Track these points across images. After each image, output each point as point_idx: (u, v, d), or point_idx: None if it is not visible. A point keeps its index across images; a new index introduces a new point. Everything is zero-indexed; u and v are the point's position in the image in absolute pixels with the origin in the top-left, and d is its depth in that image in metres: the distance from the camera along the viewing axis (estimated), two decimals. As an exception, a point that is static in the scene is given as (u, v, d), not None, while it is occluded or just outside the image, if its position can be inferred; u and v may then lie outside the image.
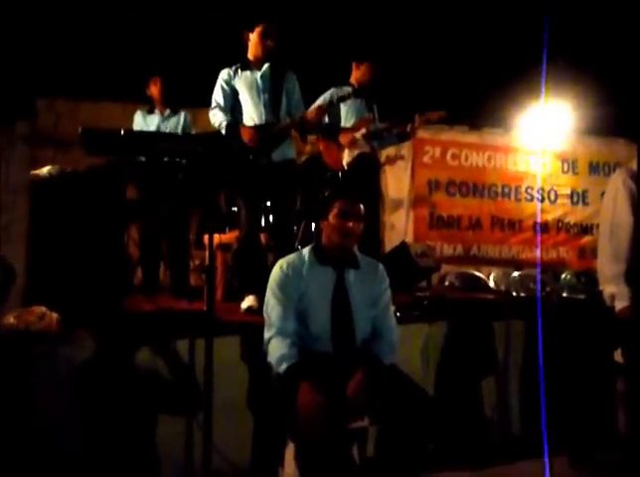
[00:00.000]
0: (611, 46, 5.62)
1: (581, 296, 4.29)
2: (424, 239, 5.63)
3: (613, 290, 2.66)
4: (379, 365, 2.14)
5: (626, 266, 2.64)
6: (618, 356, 3.08)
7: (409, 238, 5.64)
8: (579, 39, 5.42)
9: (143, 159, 3.13)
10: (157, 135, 3.60)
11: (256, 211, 3.39)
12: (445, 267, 5.43)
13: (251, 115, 3.28)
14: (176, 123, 4.17)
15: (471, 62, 5.64)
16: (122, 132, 2.63)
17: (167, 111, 4.17)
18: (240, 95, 3.33)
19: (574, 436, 3.06)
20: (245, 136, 3.18)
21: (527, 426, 3.18)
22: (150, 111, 4.18)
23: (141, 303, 3.29)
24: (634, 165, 2.82)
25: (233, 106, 3.32)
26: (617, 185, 2.76)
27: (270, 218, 3.57)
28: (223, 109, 3.29)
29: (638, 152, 2.73)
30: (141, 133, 3.68)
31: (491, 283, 5.29)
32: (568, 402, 3.19)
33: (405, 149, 5.78)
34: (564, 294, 4.68)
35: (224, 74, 3.36)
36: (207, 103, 3.41)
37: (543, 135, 6.33)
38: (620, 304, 2.63)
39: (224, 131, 3.24)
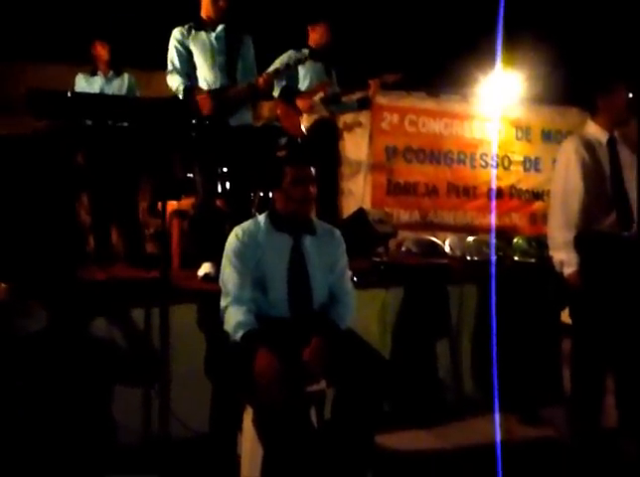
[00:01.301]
0: (565, 16, 5.69)
1: (532, 260, 4.44)
2: (382, 206, 5.68)
3: (563, 256, 2.75)
4: (335, 329, 2.17)
5: (576, 233, 2.74)
6: (565, 317, 3.22)
7: (367, 205, 5.68)
8: (535, 8, 5.46)
9: (90, 123, 3.02)
10: (107, 98, 3.47)
11: (213, 177, 3.33)
12: (402, 233, 5.50)
13: (206, 78, 3.19)
14: (120, 86, 4.03)
15: (428, 28, 5.62)
16: (69, 94, 2.51)
17: (110, 73, 4.01)
18: (195, 57, 3.22)
19: (523, 394, 3.20)
20: (201, 104, 3.09)
21: (478, 385, 3.31)
22: (93, 73, 4.01)
23: (94, 272, 3.21)
24: (586, 132, 2.89)
25: (189, 69, 3.21)
26: (569, 153, 2.82)
27: (227, 184, 3.51)
28: (179, 72, 3.18)
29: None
30: (91, 95, 3.54)
31: (447, 249, 5.40)
32: (518, 362, 3.33)
33: (364, 116, 5.76)
34: (516, 258, 4.82)
35: (176, 33, 3.23)
36: (158, 65, 3.29)
37: (497, 103, 6.40)
38: (569, 270, 2.72)
39: (181, 95, 3.14)
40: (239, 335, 2.07)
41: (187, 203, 3.74)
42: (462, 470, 2.52)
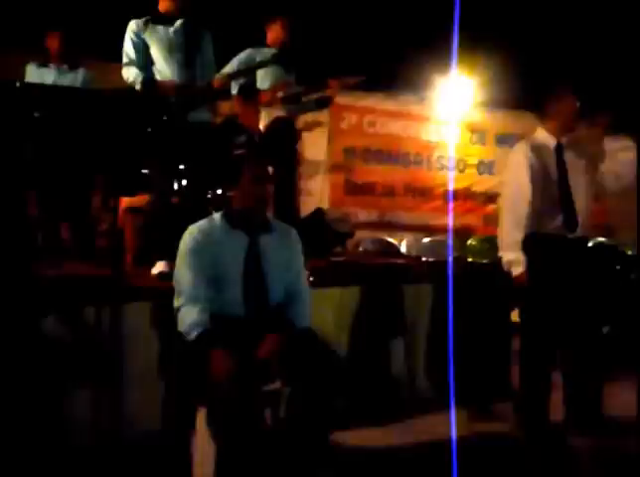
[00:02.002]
0: (520, 23, 5.86)
1: (485, 261, 4.56)
2: (340, 205, 5.72)
3: (511, 257, 2.83)
4: (291, 328, 2.17)
5: (524, 235, 2.82)
6: (515, 316, 3.32)
7: (326, 204, 5.70)
8: (491, 14, 5.60)
9: (38, 115, 2.91)
10: (59, 89, 3.36)
11: (169, 173, 3.27)
12: (360, 233, 5.54)
13: (163, 73, 3.13)
14: (73, 80, 3.91)
15: (388, 29, 5.69)
16: (18, 84, 2.42)
17: (64, 67, 3.89)
18: (151, 51, 3.16)
19: (474, 390, 3.28)
20: (168, 91, 3.03)
21: (431, 383, 3.37)
22: (45, 64, 3.88)
23: (43, 268, 3.11)
24: (535, 137, 2.99)
25: (146, 62, 3.15)
26: (519, 157, 2.91)
27: (183, 181, 3.46)
28: (137, 65, 3.11)
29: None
30: (42, 86, 3.42)
31: (403, 249, 5.50)
32: (470, 360, 3.41)
33: (323, 115, 5.76)
34: (470, 259, 4.95)
35: (132, 25, 3.16)
36: (112, 58, 3.21)
37: (454, 106, 6.54)
38: (517, 270, 2.81)
39: (138, 87, 3.07)
40: (193, 335, 2.04)
41: (142, 199, 3.67)
42: (416, 467, 2.56)
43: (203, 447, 2.05)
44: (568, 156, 2.92)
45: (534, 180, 2.84)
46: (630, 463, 2.57)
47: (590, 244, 5.45)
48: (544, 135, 2.95)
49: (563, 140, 2.94)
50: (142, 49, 3.14)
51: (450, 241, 6.04)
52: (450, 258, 4.65)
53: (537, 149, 2.90)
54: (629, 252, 6.12)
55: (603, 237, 6.30)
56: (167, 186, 3.21)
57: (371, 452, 2.69)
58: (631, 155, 2.87)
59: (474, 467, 2.44)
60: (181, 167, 3.47)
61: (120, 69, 3.19)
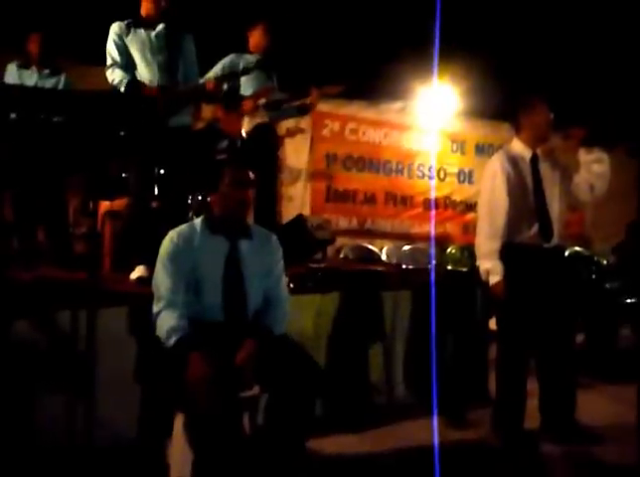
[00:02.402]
0: (500, 35, 5.96)
1: (464, 269, 4.60)
2: (321, 212, 5.73)
3: (488, 266, 2.87)
4: (269, 334, 2.17)
5: (501, 244, 2.86)
6: (492, 324, 3.36)
7: (307, 211, 5.71)
8: (472, 25, 5.69)
9: (14, 116, 2.88)
10: (37, 91, 3.32)
11: (149, 178, 3.25)
12: (341, 240, 5.57)
13: (143, 77, 3.11)
14: (55, 84, 3.87)
15: (371, 38, 5.74)
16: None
17: (46, 71, 3.86)
18: (133, 55, 3.15)
19: (451, 397, 3.31)
20: (152, 93, 3.02)
21: (409, 390, 3.38)
22: (26, 66, 3.84)
23: (19, 272, 3.06)
24: (511, 148, 3.04)
25: (130, 64, 3.13)
26: (495, 167, 2.96)
27: (163, 186, 3.44)
28: (121, 66, 3.10)
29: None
30: (19, 87, 3.37)
31: (383, 256, 5.52)
32: (447, 366, 3.44)
33: (305, 122, 5.79)
34: (449, 267, 4.99)
35: (115, 27, 3.15)
36: (93, 61, 3.19)
37: (435, 115, 6.61)
38: (494, 279, 2.85)
39: (123, 89, 3.05)
40: (171, 341, 2.03)
41: (121, 203, 3.64)
42: (394, 474, 2.57)
43: (179, 454, 2.03)
44: (543, 167, 2.97)
45: (510, 190, 2.89)
46: (601, 470, 2.62)
47: (566, 254, 5.55)
48: (519, 146, 3.00)
49: (538, 151, 3.00)
50: (125, 51, 3.13)
51: (432, 249, 6.10)
52: (433, 266, 4.70)
53: (512, 160, 2.95)
54: (604, 262, 6.24)
55: (579, 246, 6.42)
56: (147, 190, 3.19)
57: (348, 459, 2.69)
58: (605, 167, 2.93)
59: (451, 474, 2.45)
60: (161, 171, 3.46)
61: (100, 71, 3.17)
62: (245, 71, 3.61)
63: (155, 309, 2.15)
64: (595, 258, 6.22)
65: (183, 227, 2.30)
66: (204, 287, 2.19)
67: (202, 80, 3.34)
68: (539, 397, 2.98)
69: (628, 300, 5.32)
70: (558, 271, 2.99)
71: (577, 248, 6.25)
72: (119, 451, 2.41)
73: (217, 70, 3.85)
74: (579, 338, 4.70)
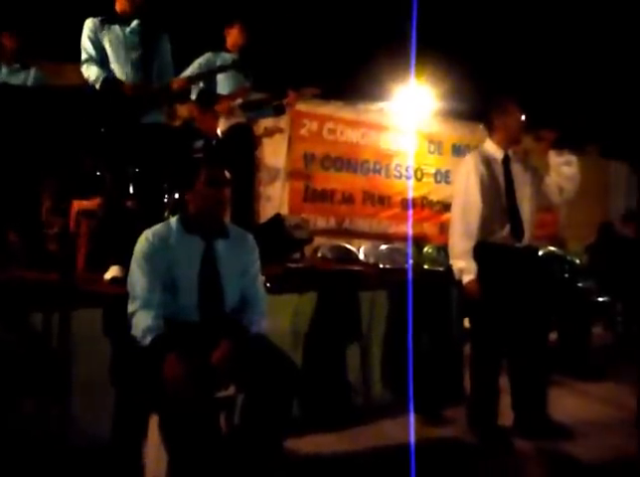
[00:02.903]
0: (476, 39, 6.04)
1: (441, 268, 4.64)
2: (299, 212, 5.72)
3: (462, 265, 2.90)
4: (245, 334, 2.16)
5: (474, 244, 2.90)
6: (467, 323, 3.40)
7: (285, 211, 5.70)
8: (449, 28, 5.76)
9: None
10: (7, 87, 3.25)
11: (123, 176, 3.21)
12: (319, 240, 5.57)
13: (117, 74, 3.07)
14: (24, 79, 3.81)
15: (349, 39, 5.76)
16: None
17: (16, 66, 3.78)
18: (107, 51, 3.10)
19: (427, 396, 3.34)
20: (129, 90, 2.98)
21: (386, 389, 3.40)
22: None
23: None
24: (484, 149, 3.08)
25: (105, 60, 3.09)
26: (469, 168, 2.99)
27: (139, 184, 3.40)
28: (97, 62, 3.05)
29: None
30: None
31: (361, 256, 5.54)
32: (423, 365, 3.47)
33: (284, 121, 5.78)
34: (426, 266, 5.04)
35: (89, 23, 3.10)
36: (65, 58, 3.14)
37: (413, 116, 6.66)
38: (467, 278, 2.88)
39: (99, 86, 3.01)
40: (147, 340, 2.02)
41: (95, 202, 3.58)
42: (370, 472, 2.58)
43: (155, 456, 2.02)
44: (515, 168, 3.02)
45: (483, 190, 2.92)
46: (571, 465, 2.67)
47: (540, 253, 5.65)
48: (492, 147, 3.04)
49: (510, 152, 3.04)
50: (100, 47, 3.09)
51: (410, 249, 6.15)
52: (410, 265, 4.73)
53: (486, 160, 2.99)
54: (577, 261, 6.36)
55: (553, 246, 6.53)
56: (121, 189, 3.15)
57: (326, 458, 2.69)
58: (574, 169, 2.99)
59: (428, 471, 2.48)
60: (136, 170, 3.42)
61: (73, 68, 3.12)
62: (221, 69, 3.59)
63: (130, 309, 2.13)
64: (569, 258, 6.34)
65: (158, 226, 2.29)
66: (179, 287, 2.18)
67: (174, 79, 3.30)
68: (511, 394, 3.02)
69: (600, 299, 5.44)
70: (530, 270, 3.04)
71: (551, 248, 6.36)
72: (94, 452, 2.38)
73: (193, 68, 3.82)
74: (553, 336, 4.79)
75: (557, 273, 5.69)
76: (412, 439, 2.81)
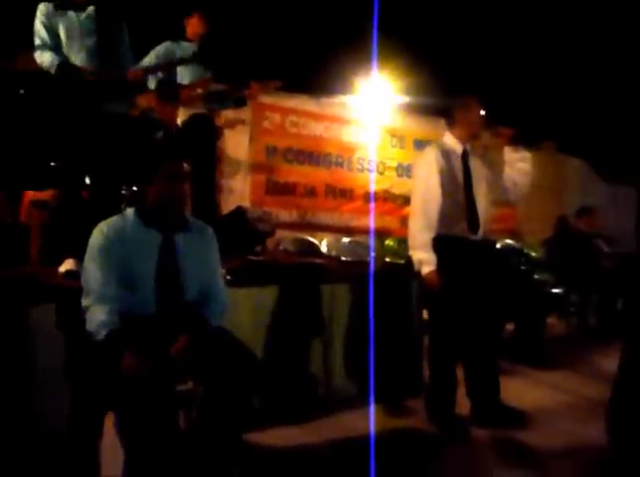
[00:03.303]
0: (440, 37, 6.12)
1: (402, 261, 4.69)
2: (261, 205, 5.67)
3: (421, 256, 2.94)
4: (204, 327, 2.14)
5: (434, 235, 2.94)
6: (426, 314, 3.45)
7: (247, 203, 5.64)
8: (412, 25, 5.81)
9: None
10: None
11: (79, 166, 3.12)
12: (281, 233, 5.53)
13: (71, 61, 2.98)
14: None
15: (313, 32, 5.75)
16: None
17: None
18: (61, 37, 3.00)
19: (387, 387, 3.37)
20: (86, 77, 2.89)
21: (348, 380, 3.42)
22: None
23: None
24: (444, 142, 3.12)
25: (60, 45, 2.98)
26: (429, 161, 3.03)
27: (95, 175, 3.31)
28: (51, 48, 2.95)
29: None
30: None
31: (324, 249, 5.54)
32: (384, 357, 3.50)
33: (246, 113, 5.71)
34: (387, 259, 5.08)
35: (42, 8, 3.00)
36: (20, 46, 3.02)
37: (376, 110, 6.68)
38: (427, 269, 2.92)
39: (54, 72, 2.90)
40: (101, 335, 1.97)
41: (49, 193, 3.47)
42: (333, 463, 2.60)
43: (111, 450, 1.98)
44: (473, 162, 3.08)
45: (443, 183, 2.97)
46: (527, 451, 2.75)
47: (498, 246, 5.78)
48: (452, 141, 3.09)
49: (469, 147, 3.10)
50: (54, 32, 2.99)
51: (372, 242, 6.18)
52: (372, 258, 4.76)
53: (445, 154, 3.04)
54: (534, 254, 6.53)
55: (511, 239, 6.68)
56: (76, 179, 3.06)
57: (287, 450, 2.70)
58: (528, 166, 3.07)
59: (388, 461, 2.51)
60: (93, 160, 3.32)
61: (25, 56, 3.01)
62: (181, 61, 3.53)
63: (85, 303, 2.07)
64: (526, 251, 6.50)
65: (114, 218, 2.23)
66: (136, 281, 2.13)
67: (131, 69, 3.23)
68: (466, 382, 3.09)
69: (555, 290, 5.61)
70: (486, 263, 3.10)
71: (509, 241, 6.51)
72: (49, 449, 2.32)
73: (151, 57, 3.75)
74: (509, 327, 4.91)
75: (514, 266, 5.83)
76: (373, 430, 2.85)
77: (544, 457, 2.66)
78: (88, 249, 2.15)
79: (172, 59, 3.67)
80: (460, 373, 3.06)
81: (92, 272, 2.09)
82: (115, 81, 3.05)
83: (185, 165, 2.22)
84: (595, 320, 5.85)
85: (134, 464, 1.89)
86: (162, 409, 1.94)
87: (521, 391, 3.60)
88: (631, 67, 6.75)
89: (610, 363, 4.40)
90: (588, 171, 9.07)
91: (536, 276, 5.58)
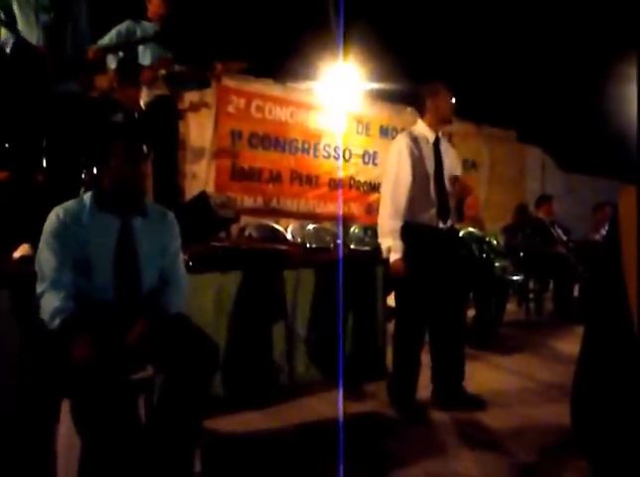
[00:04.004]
0: (407, 23, 6.12)
1: (367, 248, 4.72)
2: (225, 190, 5.61)
3: (390, 244, 2.95)
4: (163, 313, 2.10)
5: (403, 223, 2.95)
6: (391, 301, 3.48)
7: (211, 189, 5.57)
8: (379, 12, 5.79)
9: None
10: None
11: (34, 148, 3.01)
12: (245, 219, 5.50)
13: (26, 38, 2.86)
14: None
15: (278, 15, 5.67)
16: None
17: None
18: (15, 13, 2.88)
19: (350, 371, 3.40)
20: (43, 56, 2.78)
21: (311, 366, 3.44)
22: None
23: None
24: (415, 130, 3.13)
25: (15, 23, 2.86)
26: (400, 147, 3.03)
27: (51, 158, 3.20)
28: (5, 25, 2.82)
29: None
30: None
31: (289, 235, 5.53)
32: (347, 342, 3.53)
33: (210, 97, 5.62)
34: (352, 246, 5.11)
35: None
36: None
37: (342, 96, 6.67)
38: (394, 256, 2.94)
39: (8, 50, 2.78)
40: (56, 322, 1.91)
41: (2, 175, 3.34)
42: (296, 448, 2.61)
43: (67, 440, 1.93)
44: (444, 150, 3.10)
45: (414, 170, 2.97)
46: (485, 434, 2.82)
47: (461, 234, 5.87)
48: (424, 128, 3.10)
49: (440, 134, 3.12)
50: (8, 8, 2.86)
51: (340, 228, 6.20)
52: (340, 245, 4.78)
53: (416, 141, 3.04)
54: (494, 242, 6.67)
55: (473, 227, 6.80)
56: (31, 162, 2.96)
57: (250, 436, 2.69)
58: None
59: (349, 445, 2.53)
60: (49, 142, 3.21)
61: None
62: (142, 40, 3.43)
63: (39, 290, 2.01)
64: (487, 239, 6.63)
65: (70, 202, 2.15)
66: (93, 268, 2.07)
67: (91, 48, 3.13)
68: (431, 367, 3.14)
69: (515, 277, 5.74)
70: (452, 250, 3.14)
71: (471, 229, 6.63)
72: (3, 438, 2.26)
73: (111, 36, 3.64)
74: (471, 313, 5.01)
75: (475, 253, 5.94)
76: (341, 414, 2.88)
77: (500, 438, 2.73)
78: (43, 234, 2.08)
79: (133, 38, 3.57)
80: (425, 358, 3.10)
81: (47, 258, 2.03)
82: (75, 61, 2.94)
83: (143, 146, 2.16)
84: (552, 306, 6.03)
85: (90, 454, 1.85)
86: (116, 397, 1.90)
87: (480, 375, 3.68)
88: (589, 57, 6.91)
89: (565, 347, 4.59)
90: (547, 160, 9.29)
91: (496, 263, 5.70)
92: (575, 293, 6.10)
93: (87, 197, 2.18)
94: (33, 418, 2.31)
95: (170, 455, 2.00)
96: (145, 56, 3.77)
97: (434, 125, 3.08)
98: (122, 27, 3.70)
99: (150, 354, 1.97)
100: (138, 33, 3.70)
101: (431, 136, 3.06)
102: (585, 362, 1.03)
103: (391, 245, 2.94)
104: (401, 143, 3.02)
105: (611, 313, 0.99)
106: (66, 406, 1.94)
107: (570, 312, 5.87)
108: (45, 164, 3.17)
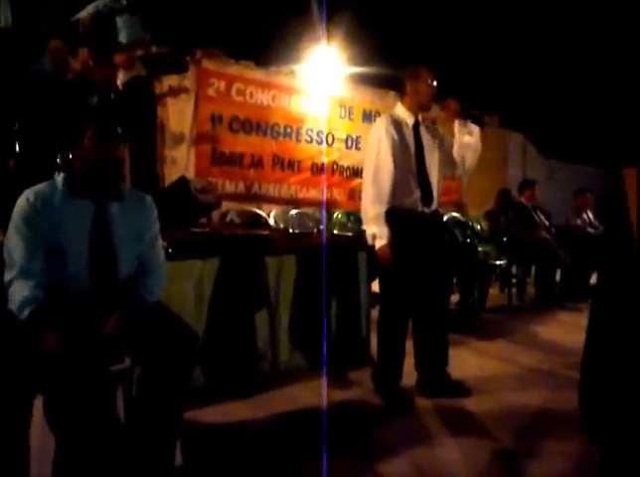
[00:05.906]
0: (389, 6, 6.03)
1: (350, 234, 4.68)
2: (206, 175, 5.49)
3: (374, 230, 2.90)
4: (141, 302, 2.02)
5: (386, 208, 2.90)
6: (376, 287, 3.44)
7: (191, 174, 5.45)
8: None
9: None
10: None
11: (4, 130, 2.89)
12: (227, 204, 5.41)
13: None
14: None
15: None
16: None
17: None
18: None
19: (334, 358, 3.37)
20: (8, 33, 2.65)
21: (294, 354, 3.39)
22: None
23: None
24: (395, 113, 3.07)
25: None
26: (381, 131, 2.96)
27: (24, 141, 3.07)
28: None
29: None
30: None
31: (271, 221, 5.46)
32: (330, 329, 3.49)
33: (189, 80, 5.48)
34: (335, 231, 5.06)
35: None
36: None
37: (325, 80, 6.57)
38: (379, 242, 2.89)
39: None
40: (25, 313, 1.83)
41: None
42: (280, 437, 2.57)
43: (40, 436, 1.85)
44: (424, 134, 3.05)
45: (394, 154, 2.92)
46: (469, 420, 2.81)
47: (445, 219, 5.86)
48: (403, 112, 3.04)
49: (420, 118, 3.06)
50: None
51: (324, 214, 6.14)
52: (323, 230, 4.72)
53: (397, 124, 2.99)
54: (478, 227, 6.68)
55: (456, 212, 6.80)
56: (2, 145, 2.84)
57: (233, 425, 2.65)
58: (475, 139, 3.07)
59: (334, 433, 2.50)
60: (21, 124, 3.09)
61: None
62: (114, 10, 3.30)
63: (7, 278, 1.91)
64: (470, 223, 6.64)
65: (41, 185, 2.04)
66: (66, 255, 1.98)
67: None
68: (414, 354, 3.11)
69: (497, 262, 5.76)
70: (436, 235, 3.10)
71: (454, 214, 6.62)
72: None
73: (89, 10, 3.50)
74: (454, 298, 5.01)
75: (459, 238, 5.93)
76: (325, 403, 2.84)
77: (485, 424, 2.72)
78: (12, 219, 1.98)
79: (103, 11, 3.44)
80: (408, 345, 3.08)
81: (16, 245, 1.93)
82: (47, 36, 2.81)
83: (117, 127, 2.06)
84: (535, 291, 6.07)
85: (65, 450, 1.78)
86: (92, 390, 1.82)
87: (464, 360, 3.68)
88: (571, 44, 6.90)
89: (547, 332, 4.62)
90: (529, 146, 9.32)
91: (479, 248, 5.70)
92: (557, 278, 6.14)
93: (60, 180, 2.08)
94: (3, 415, 2.22)
95: (150, 448, 1.93)
96: (122, 36, 3.64)
97: (414, 109, 3.03)
98: (100, 2, 3.57)
99: (128, 345, 1.90)
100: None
101: (411, 120, 3.01)
102: (593, 348, 0.99)
103: (375, 232, 2.89)
104: (381, 127, 2.96)
105: (620, 297, 0.95)
106: (38, 401, 1.86)
107: (552, 297, 5.91)
108: (17, 149, 3.05)
